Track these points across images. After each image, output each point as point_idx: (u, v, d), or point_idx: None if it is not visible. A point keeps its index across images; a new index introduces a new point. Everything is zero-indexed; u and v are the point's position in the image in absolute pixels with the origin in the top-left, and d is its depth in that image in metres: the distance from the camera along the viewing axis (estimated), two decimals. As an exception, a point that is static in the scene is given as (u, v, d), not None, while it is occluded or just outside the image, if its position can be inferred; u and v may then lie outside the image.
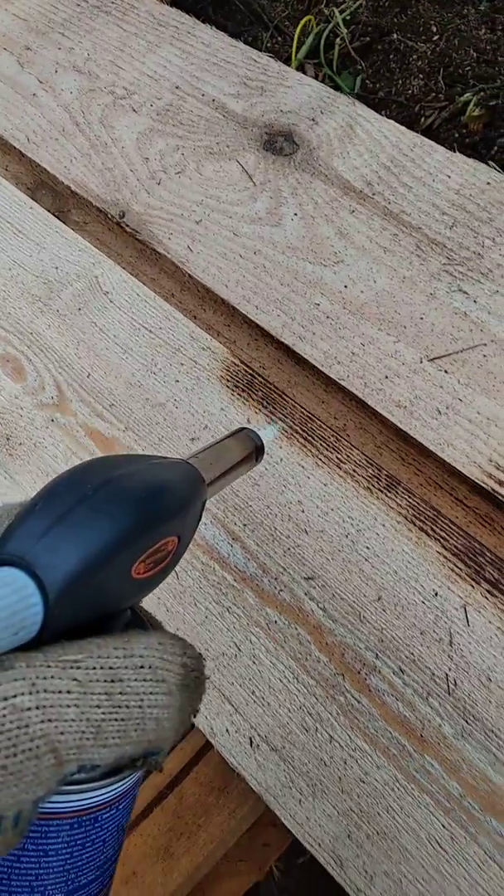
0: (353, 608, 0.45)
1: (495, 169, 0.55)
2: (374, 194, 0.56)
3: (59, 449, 0.53)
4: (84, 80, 0.68)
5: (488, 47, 1.05)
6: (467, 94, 0.99)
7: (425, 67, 1.06)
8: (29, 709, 0.19)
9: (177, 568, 0.48)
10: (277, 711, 0.44)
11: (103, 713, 0.20)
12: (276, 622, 0.45)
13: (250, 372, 0.53)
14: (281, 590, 0.46)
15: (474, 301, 0.50)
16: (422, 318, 0.50)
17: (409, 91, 1.06)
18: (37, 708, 0.19)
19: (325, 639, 0.44)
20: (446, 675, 0.42)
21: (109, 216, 0.61)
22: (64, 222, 0.64)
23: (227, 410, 0.52)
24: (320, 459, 0.49)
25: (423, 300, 0.51)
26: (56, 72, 0.69)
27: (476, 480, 0.45)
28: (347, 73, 1.11)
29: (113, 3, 0.73)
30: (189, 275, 0.57)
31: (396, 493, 0.47)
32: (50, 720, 0.20)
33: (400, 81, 1.07)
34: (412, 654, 0.43)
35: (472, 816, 0.39)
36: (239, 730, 0.44)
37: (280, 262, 0.55)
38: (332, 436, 0.50)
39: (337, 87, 1.09)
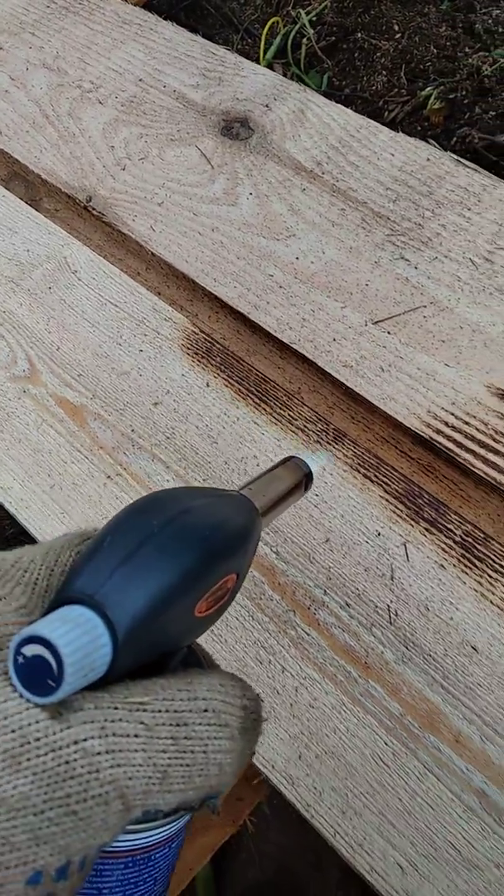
0: (304, 550, 0.48)
1: (434, 146, 0.59)
2: (323, 173, 0.59)
3: (31, 418, 0.56)
4: (53, 76, 0.72)
5: (448, 44, 1.09)
6: (428, 89, 1.03)
7: (388, 64, 1.10)
8: (99, 753, 0.19)
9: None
10: (234, 647, 0.47)
11: (169, 758, 0.20)
12: (233, 567, 0.49)
13: (209, 340, 0.56)
14: (237, 537, 0.49)
15: (415, 267, 0.54)
16: (367, 285, 0.54)
17: (374, 87, 1.10)
18: (107, 752, 0.19)
19: (278, 579, 0.48)
20: (388, 606, 0.45)
21: (78, 201, 0.64)
22: (37, 210, 0.67)
23: (187, 376, 0.55)
24: (273, 417, 0.53)
25: (368, 268, 0.54)
26: (27, 69, 0.73)
27: (416, 431, 0.49)
28: (315, 71, 1.15)
29: (80, 3, 0.76)
30: (152, 253, 0.60)
31: (343, 444, 0.51)
32: (119, 765, 0.20)
33: (365, 78, 1.11)
34: (357, 589, 0.46)
35: (411, 734, 0.42)
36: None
37: (236, 238, 0.58)
38: (286, 396, 0.53)
39: (305, 85, 1.13)
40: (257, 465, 0.51)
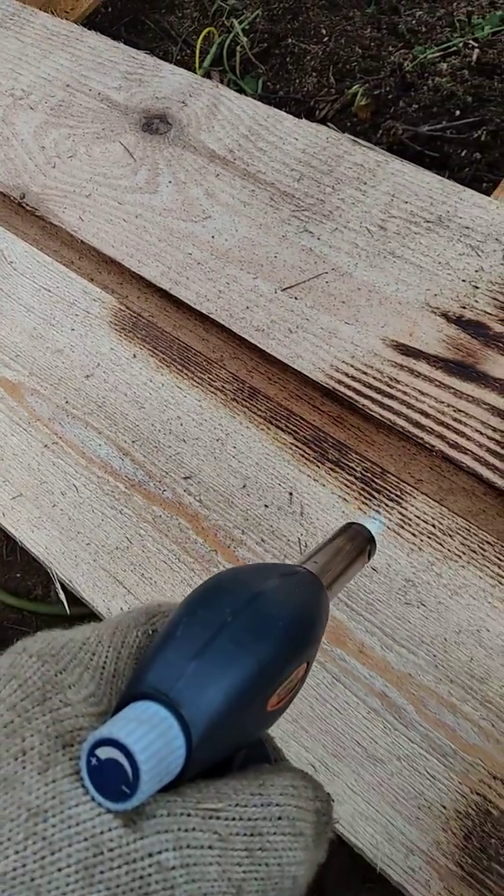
0: (224, 497, 0.52)
1: (333, 129, 0.64)
2: (235, 159, 0.64)
3: (-26, 397, 0.61)
4: (-12, 86, 0.77)
5: (372, 44, 1.16)
6: (355, 87, 1.09)
7: (318, 66, 1.16)
8: (174, 868, 0.18)
9: (76, 483, 0.56)
10: (163, 587, 0.51)
11: (244, 872, 0.19)
12: (160, 516, 0.53)
13: (135, 316, 0.61)
14: (164, 490, 0.54)
15: (318, 238, 0.59)
16: (276, 257, 0.59)
17: (305, 88, 1.16)
18: (182, 867, 0.18)
19: (201, 524, 0.52)
20: (299, 539, 0.50)
21: (12, 199, 0.69)
22: (-24, 210, 0.72)
23: (115, 350, 0.60)
24: (194, 381, 0.57)
25: (276, 242, 0.59)
26: (-37, 81, 0.78)
27: (322, 384, 0.53)
28: (250, 77, 1.21)
29: (12, 19, 0.81)
30: (82, 241, 0.65)
31: (257, 400, 0.55)
32: (194, 881, 0.19)
33: (297, 80, 1.17)
34: (271, 527, 0.51)
35: (321, 649, 0.46)
36: (131, 606, 0.51)
37: (157, 223, 0.63)
38: (206, 361, 0.58)
39: (241, 91, 1.19)
40: (181, 426, 0.56)
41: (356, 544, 0.33)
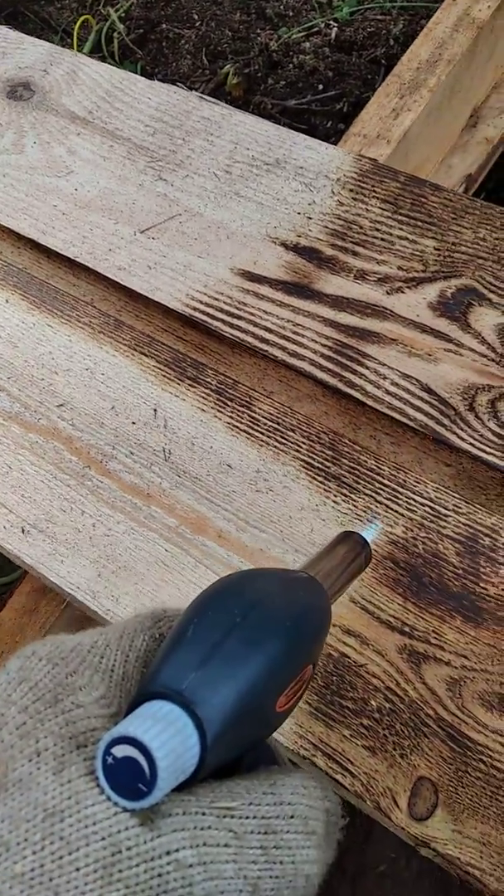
0: (95, 419, 0.57)
1: (183, 88, 0.70)
2: (94, 119, 0.69)
3: None
4: None
5: (241, 27, 1.23)
6: (227, 67, 1.16)
7: (192, 49, 1.22)
8: (192, 865, 0.18)
9: (-42, 421, 0.59)
10: (41, 504, 0.55)
11: (259, 870, 0.19)
12: (37, 442, 0.57)
13: (7, 265, 0.65)
14: (40, 419, 0.58)
15: (171, 185, 0.64)
16: (134, 203, 0.64)
17: (181, 70, 1.21)
18: (199, 864, 0.19)
19: (75, 444, 0.57)
20: (163, 448, 0.55)
21: None
22: None
23: (-10, 297, 0.64)
24: (63, 319, 0.62)
25: (134, 190, 0.65)
26: None
27: (178, 311, 0.59)
28: (129, 62, 1.26)
29: None
30: (-47, 201, 0.68)
31: (122, 331, 0.60)
32: (212, 878, 0.19)
33: (173, 63, 1.23)
34: (139, 440, 0.56)
35: (185, 538, 0.52)
36: (13, 524, 0.55)
37: (24, 180, 0.67)
38: (74, 300, 0.63)
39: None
40: (52, 360, 0.60)
41: (353, 551, 0.35)
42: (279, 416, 0.55)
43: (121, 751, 0.18)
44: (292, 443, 0.53)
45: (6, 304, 0.63)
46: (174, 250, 0.61)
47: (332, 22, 1.18)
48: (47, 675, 0.22)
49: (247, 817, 0.20)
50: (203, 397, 0.56)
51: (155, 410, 0.57)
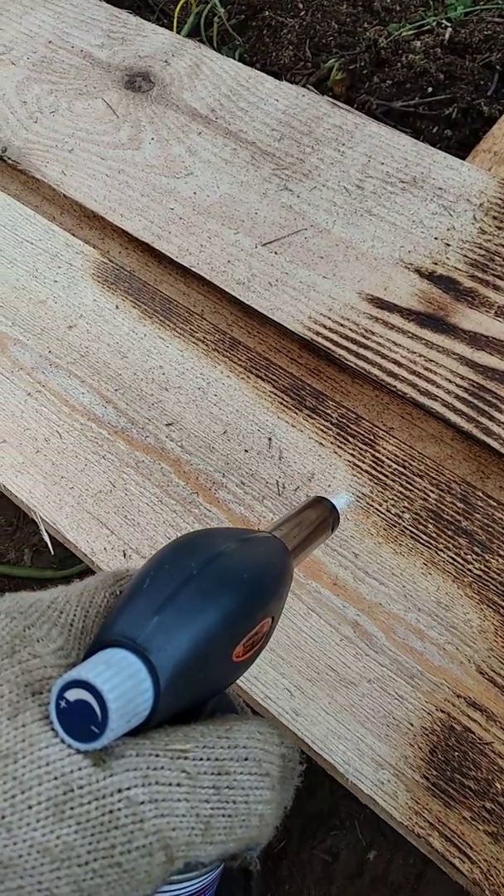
0: (205, 442, 0.54)
1: (313, 91, 0.66)
2: (217, 118, 0.66)
3: (-44, 346, 0.61)
4: (-33, 40, 0.76)
5: (348, 20, 1.17)
6: (331, 61, 1.11)
7: (294, 39, 1.17)
8: (143, 802, 0.19)
9: (59, 430, 0.57)
10: (146, 528, 0.53)
11: (212, 808, 0.20)
12: (143, 461, 0.55)
13: (118, 268, 0.62)
14: (147, 436, 0.55)
15: (297, 196, 0.60)
16: (256, 213, 0.61)
17: (282, 61, 1.17)
18: (150, 802, 0.19)
19: (183, 468, 0.54)
20: (277, 481, 0.52)
21: (-7, 152, 0.69)
22: (-45, 164, 0.72)
23: (98, 301, 0.61)
24: (176, 332, 0.59)
25: (257, 199, 0.61)
26: None
27: (300, 335, 0.56)
28: (227, 48, 1.22)
29: (-9, -26, 0.81)
30: (64, 195, 0.65)
31: (238, 350, 0.57)
32: (163, 815, 0.19)
33: (273, 53, 1.18)
34: (251, 470, 0.53)
35: (297, 582, 0.49)
36: (115, 547, 0.53)
37: (140, 178, 0.64)
38: (187, 313, 0.60)
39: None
40: (163, 375, 0.57)
41: (320, 515, 0.34)
42: (405, 458, 0.51)
43: (74, 694, 0.19)
44: (419, 489, 0.50)
45: (116, 311, 0.60)
46: (298, 268, 0.58)
47: (445, 21, 1.12)
48: (5, 627, 0.22)
49: (200, 759, 0.20)
50: (322, 430, 0.53)
51: (270, 439, 0.53)
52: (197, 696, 0.22)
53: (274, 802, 0.21)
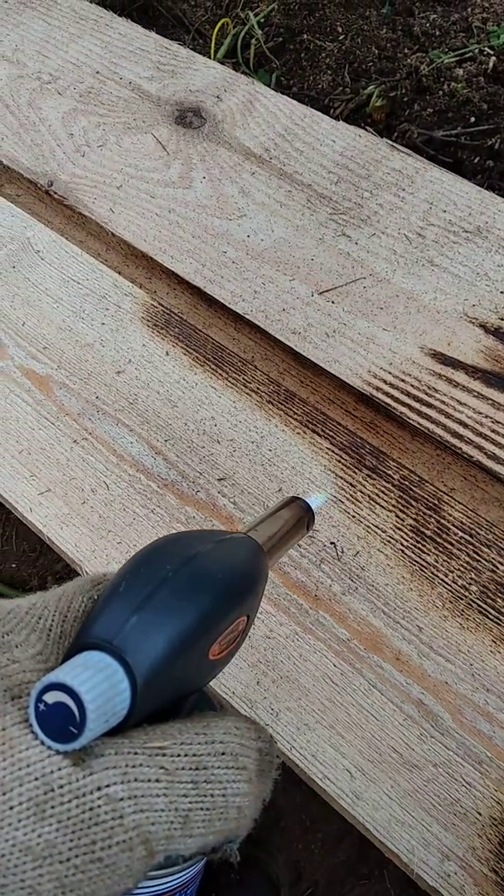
0: (259, 499, 0.52)
1: (371, 133, 0.64)
2: (271, 158, 0.64)
3: (-1, 388, 0.59)
4: (13, 68, 0.75)
5: (388, 45, 1.16)
6: (371, 87, 1.09)
7: (333, 64, 1.16)
8: (122, 798, 0.19)
9: (106, 480, 0.55)
10: (196, 589, 0.51)
11: (190, 802, 0.20)
12: (194, 517, 0.53)
13: (168, 313, 0.61)
14: (198, 491, 0.53)
15: (356, 243, 0.59)
16: (312, 259, 0.59)
17: (320, 85, 1.15)
18: (129, 798, 0.19)
19: (236, 526, 0.52)
20: (334, 544, 0.50)
21: (39, 186, 0.67)
22: (-2, 195, 0.70)
23: (147, 346, 0.59)
24: (229, 382, 0.57)
25: (313, 244, 0.59)
26: (-14, 61, 0.76)
27: (358, 389, 0.54)
28: (263, 70, 1.20)
29: None
30: (112, 233, 0.64)
31: (293, 404, 0.55)
32: (142, 810, 0.20)
33: (311, 77, 1.17)
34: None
35: (357, 655, 0.47)
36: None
37: (191, 219, 0.62)
38: (240, 362, 0.58)
39: (255, 84, 1.18)
40: (215, 426, 0.55)
41: (296, 516, 0.34)
42: (472, 525, 0.49)
43: (52, 697, 0.19)
44: (487, 560, 0.48)
45: (166, 357, 0.58)
46: (356, 318, 0.56)
47: (488, 49, 1.10)
48: None
49: (178, 755, 0.21)
50: (384, 492, 0.51)
51: (327, 499, 0.51)
52: (175, 695, 0.23)
53: (251, 795, 0.22)
